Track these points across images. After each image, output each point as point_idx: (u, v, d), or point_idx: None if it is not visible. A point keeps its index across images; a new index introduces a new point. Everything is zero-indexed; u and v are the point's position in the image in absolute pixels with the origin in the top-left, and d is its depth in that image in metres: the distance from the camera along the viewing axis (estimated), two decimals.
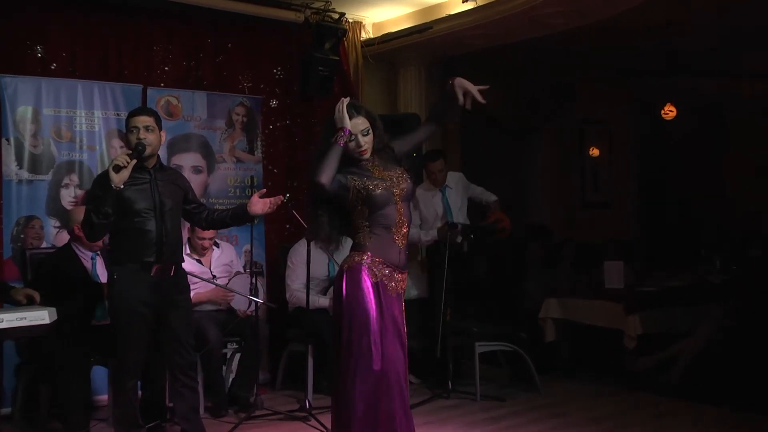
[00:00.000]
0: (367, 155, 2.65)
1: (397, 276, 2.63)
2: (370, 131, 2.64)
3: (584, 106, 7.90)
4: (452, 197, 4.92)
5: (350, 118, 2.61)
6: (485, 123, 7.25)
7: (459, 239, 4.61)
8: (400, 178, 2.65)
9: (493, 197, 5.01)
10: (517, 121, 7.43)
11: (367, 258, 2.58)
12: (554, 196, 7.94)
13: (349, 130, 2.59)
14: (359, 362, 2.49)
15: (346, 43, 5.61)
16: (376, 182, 2.61)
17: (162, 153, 3.60)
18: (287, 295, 4.65)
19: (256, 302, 4.07)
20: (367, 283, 2.55)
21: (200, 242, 4.31)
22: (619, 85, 7.83)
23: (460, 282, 4.68)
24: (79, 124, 4.44)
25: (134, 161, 3.08)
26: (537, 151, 7.95)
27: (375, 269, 2.57)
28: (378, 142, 2.66)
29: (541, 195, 7.90)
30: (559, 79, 7.45)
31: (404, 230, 2.64)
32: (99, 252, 3.92)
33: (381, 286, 2.58)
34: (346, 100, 2.64)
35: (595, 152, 8.36)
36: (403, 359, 2.55)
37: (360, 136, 2.62)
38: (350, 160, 2.64)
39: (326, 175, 2.54)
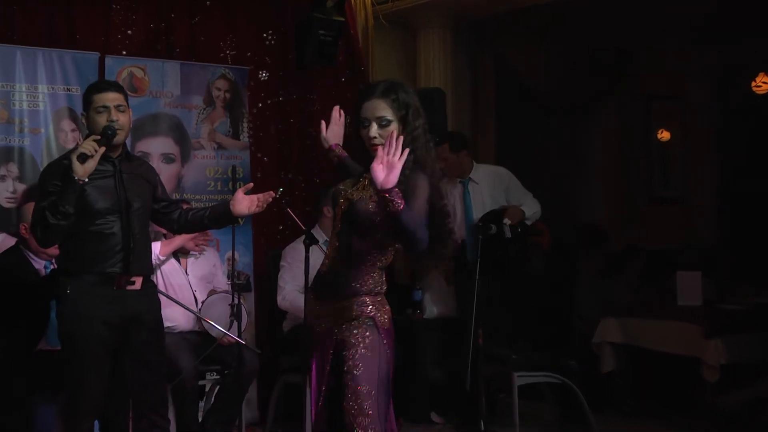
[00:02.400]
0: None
1: (323, 310, 2.69)
2: (393, 124, 2.58)
3: (651, 77, 7.89)
4: (477, 194, 4.92)
5: (367, 99, 2.59)
6: (525, 100, 7.26)
7: (493, 230, 4.57)
8: (365, 194, 2.60)
9: (532, 210, 4.86)
10: (564, 98, 7.43)
11: None
12: (612, 190, 7.93)
13: (335, 145, 2.85)
14: None
15: (353, 0, 5.64)
16: (350, 181, 2.71)
17: None
18: (279, 299, 4.67)
19: (227, 335, 4.10)
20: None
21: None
22: (697, 49, 7.80)
23: (507, 286, 4.67)
24: (19, 101, 4.46)
25: (103, 149, 3.12)
26: (590, 135, 7.94)
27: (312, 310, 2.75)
28: (408, 143, 2.52)
29: (596, 189, 7.90)
30: (618, 44, 7.44)
31: (333, 256, 2.66)
32: (53, 261, 3.96)
33: (315, 334, 2.72)
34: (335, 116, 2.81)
35: (664, 135, 8.34)
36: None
37: (374, 126, 2.58)
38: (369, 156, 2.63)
39: None
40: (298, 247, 4.57)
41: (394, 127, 2.57)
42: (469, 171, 4.97)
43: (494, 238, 4.55)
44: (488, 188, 4.91)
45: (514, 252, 4.68)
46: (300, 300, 4.13)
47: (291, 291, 4.56)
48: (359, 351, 2.57)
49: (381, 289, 2.67)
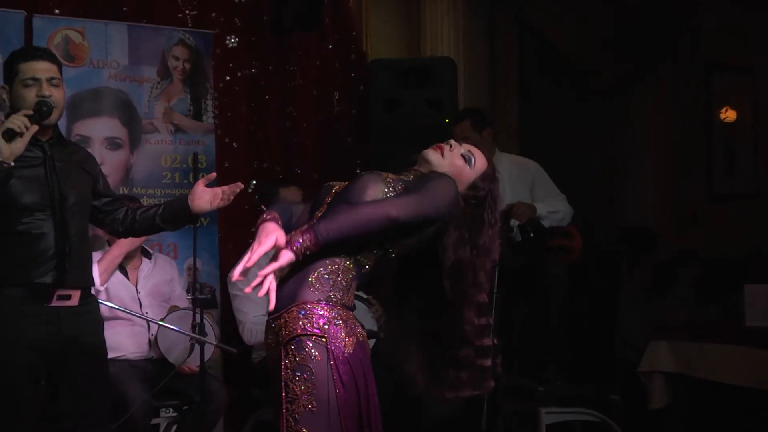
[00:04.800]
0: (439, 163, 2.85)
1: (270, 331, 2.52)
2: (474, 161, 2.90)
3: (712, 44, 7.89)
4: None
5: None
6: (556, 74, 7.26)
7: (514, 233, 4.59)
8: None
9: (552, 208, 4.89)
10: (605, 70, 7.44)
11: None
12: (663, 184, 7.94)
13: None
14: None
15: None
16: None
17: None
18: (242, 333, 4.67)
19: (201, 343, 4.10)
20: None
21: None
22: None
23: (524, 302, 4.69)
24: None
25: (35, 128, 3.12)
26: (636, 116, 7.95)
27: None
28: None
29: (644, 183, 7.90)
30: (671, 5, 7.45)
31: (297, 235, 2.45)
32: None
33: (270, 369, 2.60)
34: None
35: (729, 115, 8.33)
36: None
37: (457, 146, 2.88)
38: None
39: None
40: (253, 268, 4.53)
41: (476, 165, 2.96)
42: (491, 157, 4.95)
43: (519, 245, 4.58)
44: (510, 181, 4.90)
45: (525, 259, 4.68)
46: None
47: (255, 323, 4.50)
48: (301, 406, 2.37)
49: (347, 301, 2.49)
